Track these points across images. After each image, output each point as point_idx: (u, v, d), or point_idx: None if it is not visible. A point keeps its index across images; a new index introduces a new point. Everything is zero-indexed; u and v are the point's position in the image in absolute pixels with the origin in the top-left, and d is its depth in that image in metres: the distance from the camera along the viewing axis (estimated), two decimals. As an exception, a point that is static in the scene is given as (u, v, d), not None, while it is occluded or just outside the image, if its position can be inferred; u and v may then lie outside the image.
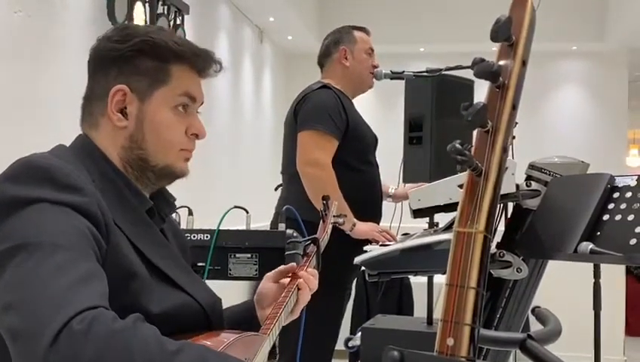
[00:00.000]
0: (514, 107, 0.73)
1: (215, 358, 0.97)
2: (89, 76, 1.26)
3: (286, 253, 1.83)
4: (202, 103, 1.30)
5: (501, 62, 0.75)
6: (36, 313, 0.88)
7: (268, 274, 1.47)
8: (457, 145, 0.68)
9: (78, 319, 0.87)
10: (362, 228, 2.70)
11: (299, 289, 1.41)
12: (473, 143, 0.74)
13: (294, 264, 1.48)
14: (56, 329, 0.86)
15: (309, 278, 1.44)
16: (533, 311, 1.60)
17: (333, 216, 1.94)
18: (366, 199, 2.83)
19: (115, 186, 1.18)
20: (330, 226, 1.87)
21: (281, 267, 1.47)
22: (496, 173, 0.70)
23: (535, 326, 1.71)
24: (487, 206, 0.71)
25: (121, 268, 1.08)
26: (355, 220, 2.69)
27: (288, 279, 1.46)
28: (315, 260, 1.63)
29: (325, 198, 1.91)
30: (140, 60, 1.21)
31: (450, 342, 0.70)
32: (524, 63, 0.74)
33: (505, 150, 0.71)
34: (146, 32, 1.23)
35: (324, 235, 1.77)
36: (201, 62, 1.26)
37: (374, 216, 2.87)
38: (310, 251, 1.64)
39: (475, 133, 0.74)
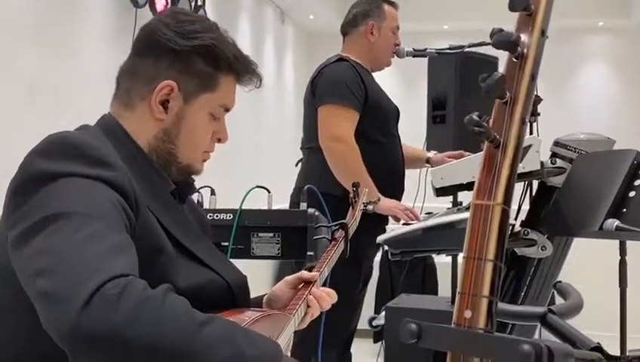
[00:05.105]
0: (533, 77, 0.71)
1: (243, 334, 0.97)
2: (135, 53, 1.26)
3: (314, 237, 1.82)
4: None
5: (520, 33, 0.73)
6: (70, 276, 0.89)
7: (287, 277, 1.41)
8: (474, 117, 0.67)
9: (111, 284, 0.88)
10: (386, 204, 2.67)
11: (308, 306, 1.33)
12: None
13: (316, 274, 1.39)
14: (90, 292, 0.87)
15: (322, 297, 1.35)
16: (554, 285, 1.60)
17: (363, 204, 1.91)
18: (388, 171, 2.79)
19: (141, 167, 1.20)
20: (360, 213, 1.84)
21: (303, 273, 1.39)
22: (515, 145, 0.69)
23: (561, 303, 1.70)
24: (505, 178, 0.70)
25: (149, 243, 1.09)
26: (379, 195, 2.67)
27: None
28: (343, 245, 1.61)
29: (355, 185, 1.89)
30: (194, 61, 1.22)
31: (467, 314, 0.70)
32: (543, 33, 0.73)
33: (524, 121, 0.70)
34: (210, 35, 1.23)
35: (352, 221, 1.74)
36: (248, 78, 1.30)
37: (397, 188, 2.83)
38: (338, 236, 1.61)
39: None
